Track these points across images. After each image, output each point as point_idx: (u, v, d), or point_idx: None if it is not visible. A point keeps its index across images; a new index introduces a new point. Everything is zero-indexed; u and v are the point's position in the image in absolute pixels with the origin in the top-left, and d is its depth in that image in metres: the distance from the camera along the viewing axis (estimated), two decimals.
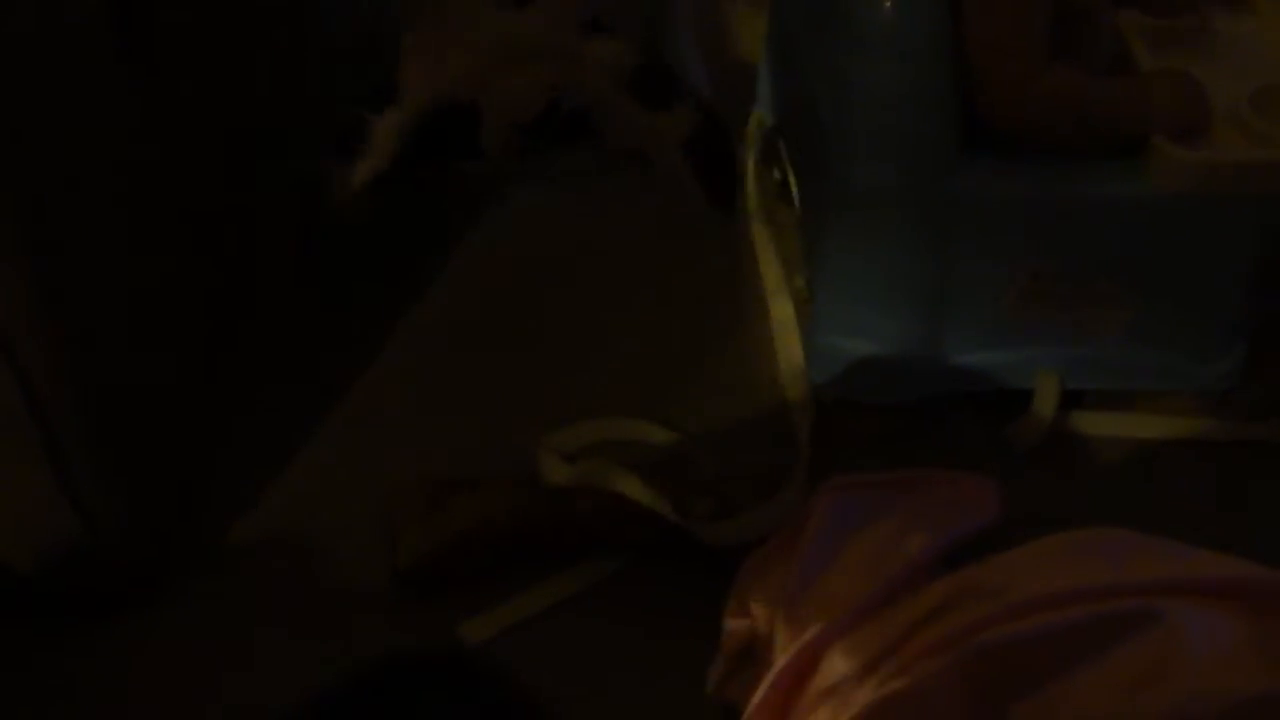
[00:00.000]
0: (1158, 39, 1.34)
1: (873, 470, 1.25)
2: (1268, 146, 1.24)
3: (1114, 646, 0.91)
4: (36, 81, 1.06)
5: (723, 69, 1.80)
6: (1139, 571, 0.99)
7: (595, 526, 1.26)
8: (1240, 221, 1.27)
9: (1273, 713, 0.86)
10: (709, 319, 1.52)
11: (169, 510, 1.29)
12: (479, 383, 1.46)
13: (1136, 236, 1.28)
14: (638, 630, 1.21)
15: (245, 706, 1.15)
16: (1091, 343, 1.34)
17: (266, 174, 1.50)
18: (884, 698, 0.94)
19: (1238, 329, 1.35)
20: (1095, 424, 1.38)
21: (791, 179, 1.50)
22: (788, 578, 1.10)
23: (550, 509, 1.27)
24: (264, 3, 1.49)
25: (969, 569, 1.04)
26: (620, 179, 1.67)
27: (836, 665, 1.01)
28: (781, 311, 1.50)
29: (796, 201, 1.48)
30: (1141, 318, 1.32)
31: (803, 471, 1.30)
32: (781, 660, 1.04)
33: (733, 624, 1.14)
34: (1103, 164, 1.27)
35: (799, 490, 1.27)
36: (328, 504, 1.33)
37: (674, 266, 1.59)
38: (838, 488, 1.18)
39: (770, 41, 1.61)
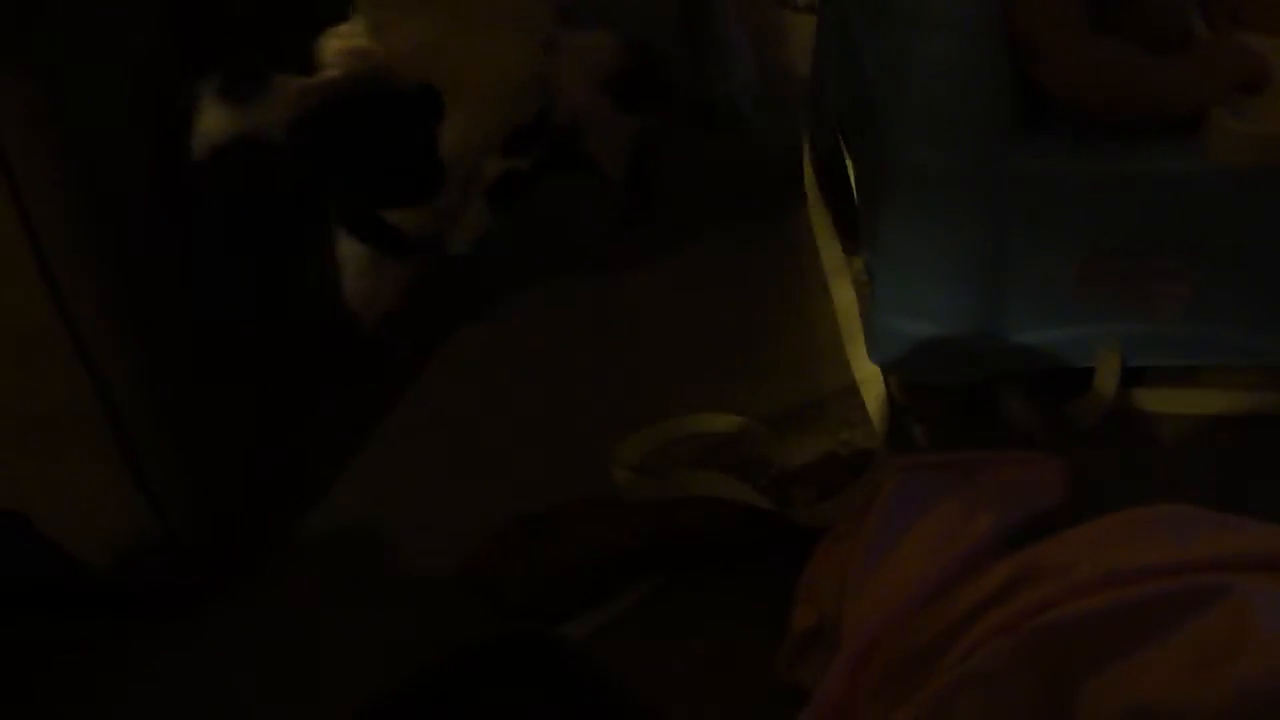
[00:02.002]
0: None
1: (936, 452, 1.26)
2: None
3: (1182, 623, 0.90)
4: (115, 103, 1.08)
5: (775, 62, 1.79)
6: (1205, 547, 0.98)
7: (699, 536, 1.25)
8: None
9: None
10: (769, 305, 1.52)
11: (241, 504, 1.30)
12: (540, 381, 1.46)
13: (1197, 211, 1.28)
14: (708, 617, 1.22)
15: (320, 698, 1.16)
16: (1152, 319, 1.34)
17: None
18: (952, 679, 0.95)
19: None
20: (1157, 400, 1.38)
21: (849, 163, 1.50)
22: (854, 560, 1.11)
23: (650, 528, 1.26)
24: None
25: (1034, 548, 1.04)
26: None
27: (904, 646, 1.02)
28: (843, 295, 1.50)
29: (854, 185, 1.48)
30: (1203, 293, 1.32)
31: (884, 451, 1.30)
32: (849, 642, 1.04)
33: (802, 606, 1.15)
34: (1161, 139, 1.26)
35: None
36: (398, 496, 1.34)
37: (731, 254, 1.59)
38: (903, 469, 1.19)
39: (823, 32, 1.61)
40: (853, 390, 1.41)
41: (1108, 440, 1.34)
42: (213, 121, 1.15)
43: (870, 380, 1.40)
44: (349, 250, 1.30)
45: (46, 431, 1.11)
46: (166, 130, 1.15)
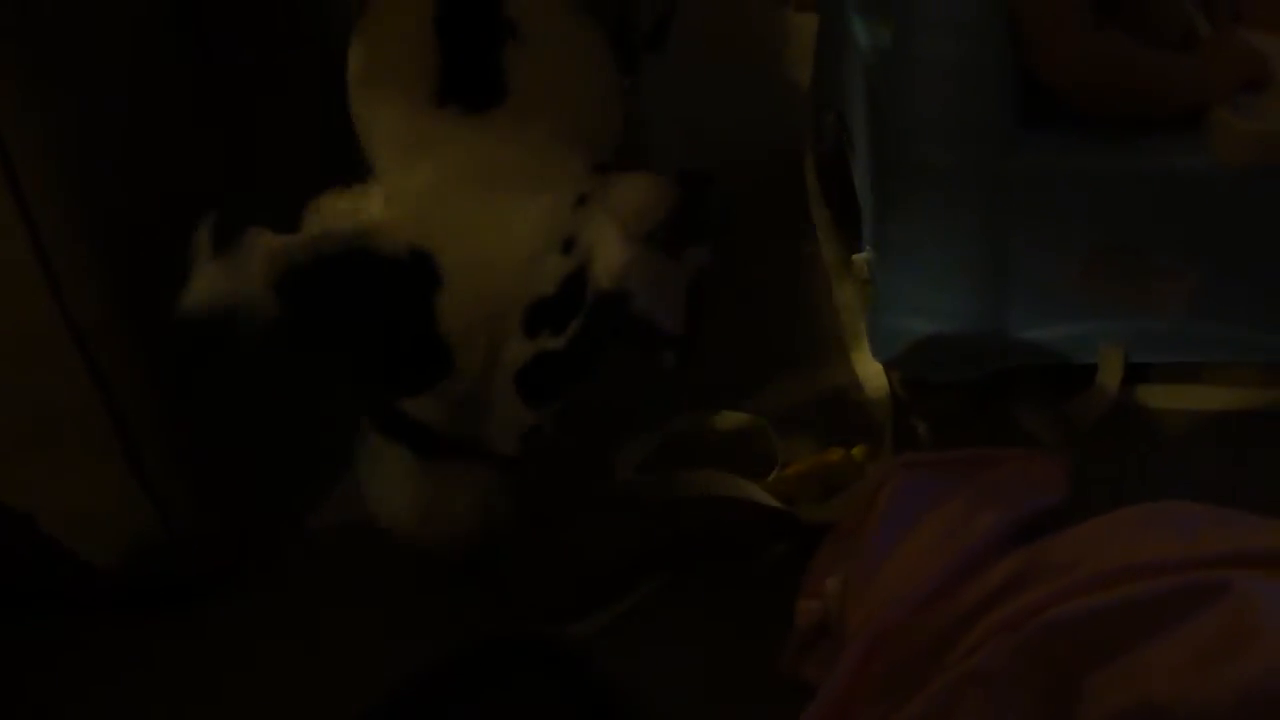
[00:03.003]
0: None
1: (939, 449, 1.26)
2: None
3: (1186, 619, 0.90)
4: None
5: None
6: (1209, 544, 0.98)
7: (704, 535, 1.26)
8: None
9: None
10: (771, 303, 1.52)
11: (244, 502, 1.30)
12: None
13: (1199, 208, 1.28)
14: (712, 614, 1.22)
15: (323, 696, 1.16)
16: (1155, 316, 1.34)
17: None
18: (954, 676, 0.95)
19: None
20: (1160, 397, 1.38)
21: (851, 162, 1.50)
22: (859, 556, 1.11)
23: (655, 527, 1.26)
24: None
25: (1037, 545, 1.04)
26: None
27: (908, 643, 1.02)
28: (845, 293, 1.50)
29: (856, 183, 1.48)
30: (1205, 290, 1.32)
31: (887, 448, 1.30)
32: (854, 639, 1.04)
33: (806, 603, 1.15)
34: (1163, 137, 1.26)
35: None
36: None
37: (733, 252, 1.59)
38: (906, 467, 1.19)
39: (825, 30, 1.61)
40: (856, 388, 1.41)
41: (1110, 437, 1.34)
42: (201, 280, 1.03)
43: (873, 378, 1.41)
44: (388, 451, 1.15)
45: (49, 431, 1.12)
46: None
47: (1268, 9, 1.36)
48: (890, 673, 1.01)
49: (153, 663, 1.21)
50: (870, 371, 1.41)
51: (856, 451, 1.30)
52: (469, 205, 1.06)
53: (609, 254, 1.04)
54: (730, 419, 1.38)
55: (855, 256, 1.45)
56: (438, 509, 1.14)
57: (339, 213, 1.07)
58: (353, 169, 1.12)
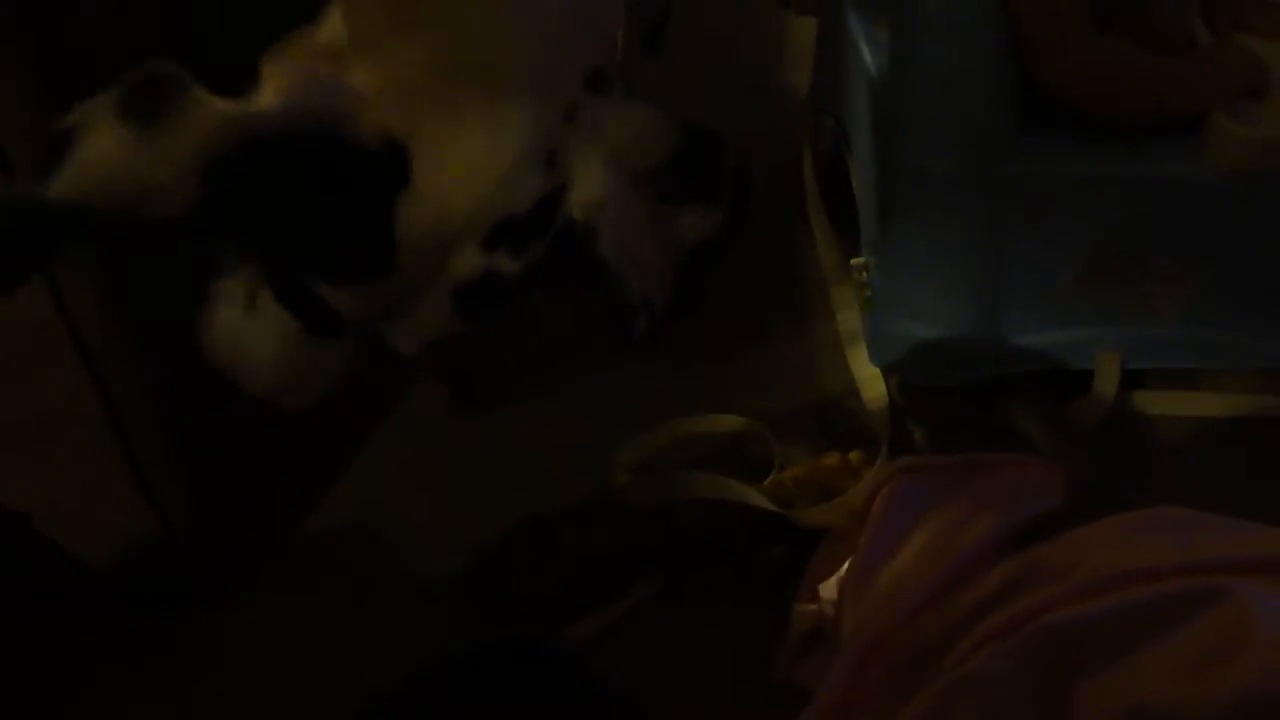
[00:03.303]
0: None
1: (936, 454, 1.26)
2: None
3: (1181, 626, 0.90)
4: None
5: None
6: (1205, 550, 0.98)
7: (704, 541, 1.25)
8: None
9: None
10: (769, 307, 1.52)
11: (241, 504, 1.30)
12: (542, 383, 1.46)
13: (1197, 214, 1.28)
14: (707, 618, 1.22)
15: (321, 698, 1.16)
16: (1153, 322, 1.34)
17: None
18: (950, 681, 0.95)
19: None
20: (1157, 403, 1.38)
21: (850, 166, 1.50)
22: (855, 561, 1.11)
23: (657, 534, 1.25)
24: None
25: (1033, 550, 1.04)
26: None
27: (904, 648, 1.02)
28: (843, 297, 1.50)
29: (855, 187, 1.48)
30: (1203, 296, 1.32)
31: (884, 452, 1.30)
32: (849, 644, 1.05)
33: (801, 607, 1.15)
34: (1162, 142, 1.26)
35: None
36: (398, 497, 1.34)
37: (731, 256, 1.58)
38: (903, 471, 1.19)
39: (824, 34, 1.61)
40: (853, 392, 1.41)
41: (1108, 443, 1.34)
42: (101, 144, 0.85)
43: (871, 382, 1.41)
44: (273, 316, 1.02)
45: (47, 431, 1.12)
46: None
47: (1267, 16, 1.36)
48: (886, 677, 1.01)
49: (148, 664, 1.21)
50: (868, 376, 1.41)
51: (853, 456, 1.30)
52: (459, 99, 0.92)
53: (588, 182, 0.97)
54: (727, 422, 1.38)
55: (853, 260, 1.45)
56: (303, 378, 1.05)
57: (311, 82, 0.90)
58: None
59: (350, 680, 1.15)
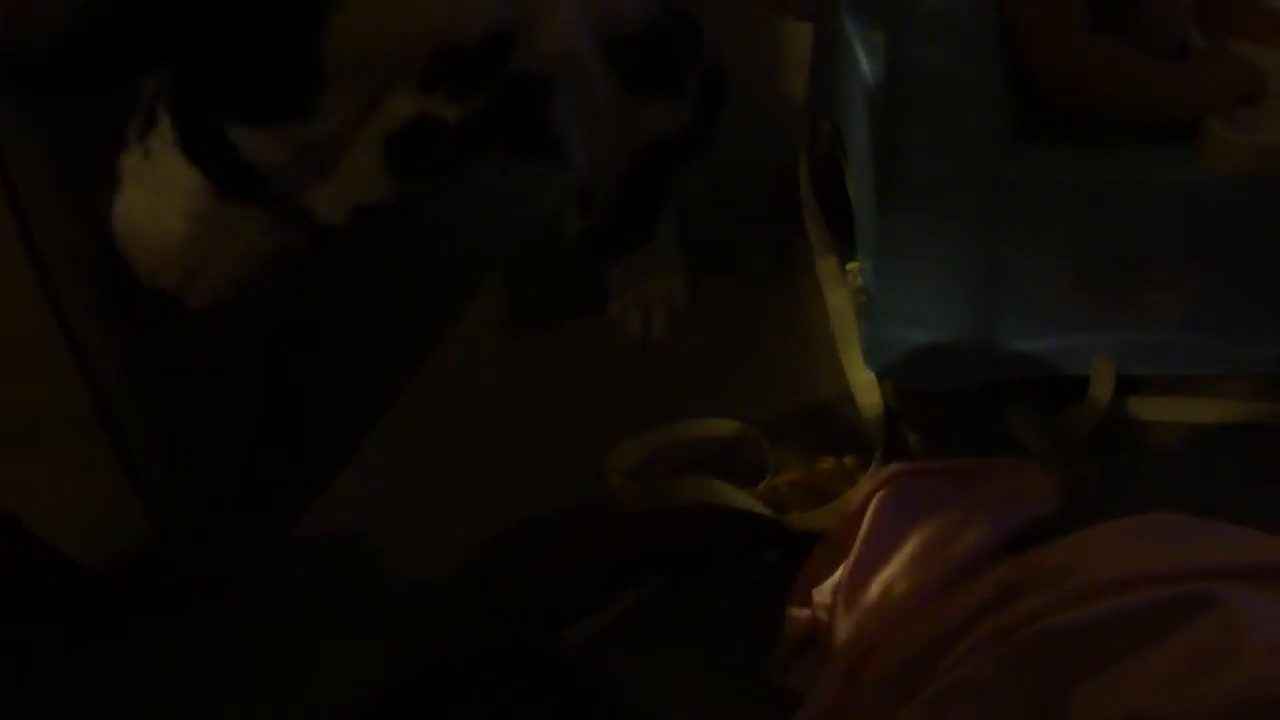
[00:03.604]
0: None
1: (931, 459, 1.26)
2: None
3: (1174, 632, 0.91)
4: None
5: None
6: (1198, 556, 0.98)
7: (698, 545, 1.25)
8: None
9: None
10: (765, 311, 1.52)
11: (237, 506, 1.30)
12: (536, 386, 1.46)
13: (1191, 220, 1.28)
14: (701, 622, 1.22)
15: (315, 699, 1.16)
16: (1148, 328, 1.34)
17: None
18: (944, 687, 0.95)
19: None
20: (1152, 409, 1.38)
21: (846, 171, 1.50)
22: (849, 566, 1.11)
23: (651, 538, 1.25)
24: None
25: (1027, 556, 1.05)
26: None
27: (897, 652, 1.02)
28: (838, 302, 1.50)
29: (850, 192, 1.48)
30: (1198, 302, 1.32)
31: (879, 457, 1.30)
32: (842, 648, 1.05)
33: (795, 612, 1.15)
34: (1156, 148, 1.26)
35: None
36: (393, 500, 1.34)
37: (726, 260, 1.59)
38: (897, 476, 1.19)
39: (820, 39, 1.61)
40: (848, 397, 1.41)
41: (1102, 449, 1.35)
42: None
43: (865, 387, 1.41)
44: (177, 180, 0.92)
45: (40, 432, 1.11)
46: None
47: (1262, 22, 1.37)
48: (879, 683, 1.01)
49: (142, 667, 1.21)
50: (862, 380, 1.41)
51: (848, 460, 1.30)
52: None
53: (552, 28, 0.85)
54: (722, 426, 1.38)
55: (849, 265, 1.45)
56: (213, 257, 0.94)
57: None
58: None
59: (344, 682, 1.15)
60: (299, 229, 0.93)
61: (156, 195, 0.92)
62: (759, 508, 1.24)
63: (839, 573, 1.12)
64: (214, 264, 0.94)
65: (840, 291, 1.51)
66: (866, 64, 1.37)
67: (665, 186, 0.99)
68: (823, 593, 1.13)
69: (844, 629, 1.08)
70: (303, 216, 0.92)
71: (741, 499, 1.24)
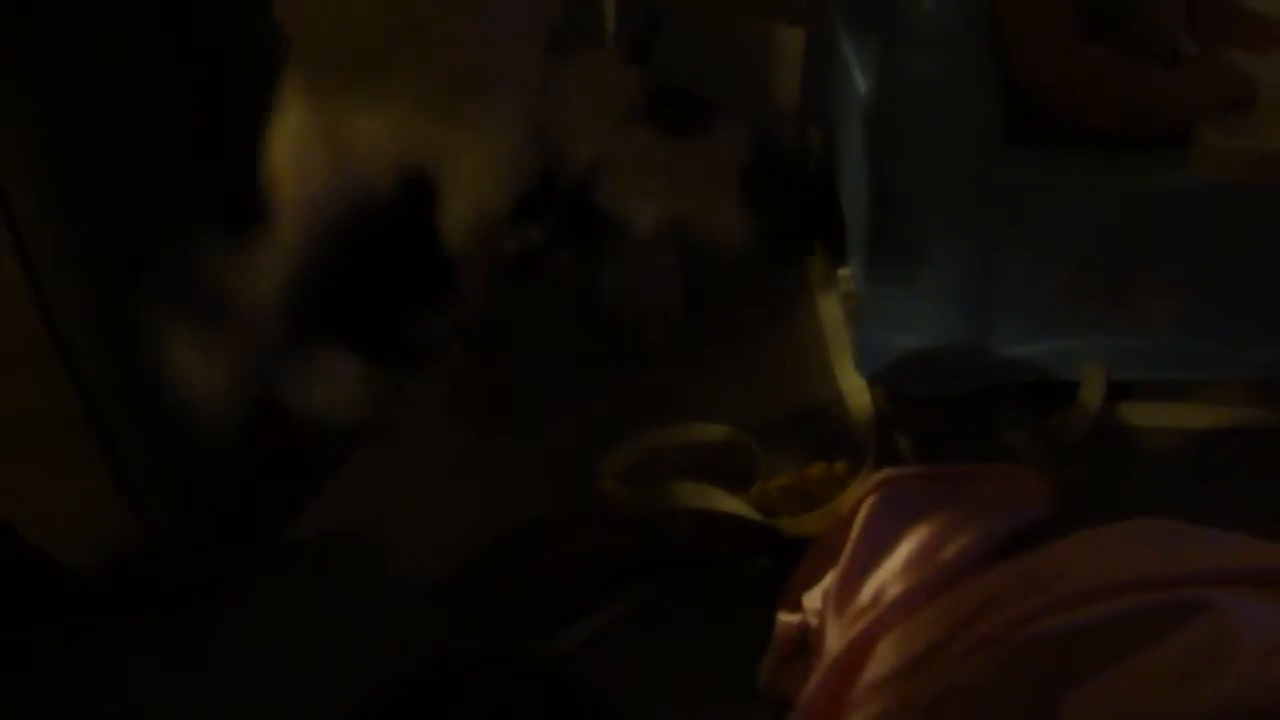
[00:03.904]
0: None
1: (922, 464, 1.26)
2: None
3: (1165, 637, 0.90)
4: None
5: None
6: (1189, 561, 0.98)
7: (690, 550, 1.25)
8: None
9: None
10: (757, 316, 1.52)
11: (227, 508, 1.30)
12: (529, 391, 1.46)
13: (1183, 226, 1.28)
14: (692, 627, 1.22)
15: (304, 704, 1.16)
16: (1139, 333, 1.34)
17: None
18: (935, 692, 0.95)
19: None
20: (1143, 414, 1.38)
21: (837, 177, 1.50)
22: (840, 571, 1.11)
23: (642, 543, 1.25)
24: None
25: (1017, 561, 1.04)
26: None
27: (888, 658, 1.02)
28: (830, 307, 1.50)
29: (842, 198, 1.48)
30: (1189, 307, 1.32)
31: (870, 463, 1.30)
32: (833, 653, 1.04)
33: (786, 617, 1.15)
34: (1148, 155, 1.27)
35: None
36: (385, 504, 1.34)
37: (718, 266, 1.58)
38: (888, 482, 1.19)
39: (812, 46, 1.61)
40: (839, 402, 1.41)
41: (1093, 454, 1.35)
42: None
43: (857, 392, 1.41)
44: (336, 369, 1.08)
45: (29, 435, 1.11)
46: None
47: (1254, 29, 1.37)
48: (869, 687, 1.01)
49: (140, 668, 1.21)
50: (854, 386, 1.41)
51: (839, 465, 1.30)
52: (449, 115, 0.97)
53: (575, 139, 1.01)
54: (713, 432, 1.38)
55: (840, 271, 1.45)
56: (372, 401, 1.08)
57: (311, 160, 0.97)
58: None
59: (336, 684, 1.15)
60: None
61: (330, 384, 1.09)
62: (750, 513, 1.23)
63: (830, 578, 1.12)
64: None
65: (831, 297, 1.51)
66: (859, 71, 1.37)
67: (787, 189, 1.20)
68: (813, 598, 1.12)
69: (835, 634, 1.07)
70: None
71: (732, 504, 1.24)
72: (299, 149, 0.98)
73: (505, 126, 0.99)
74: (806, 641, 1.12)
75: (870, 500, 1.17)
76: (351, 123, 0.97)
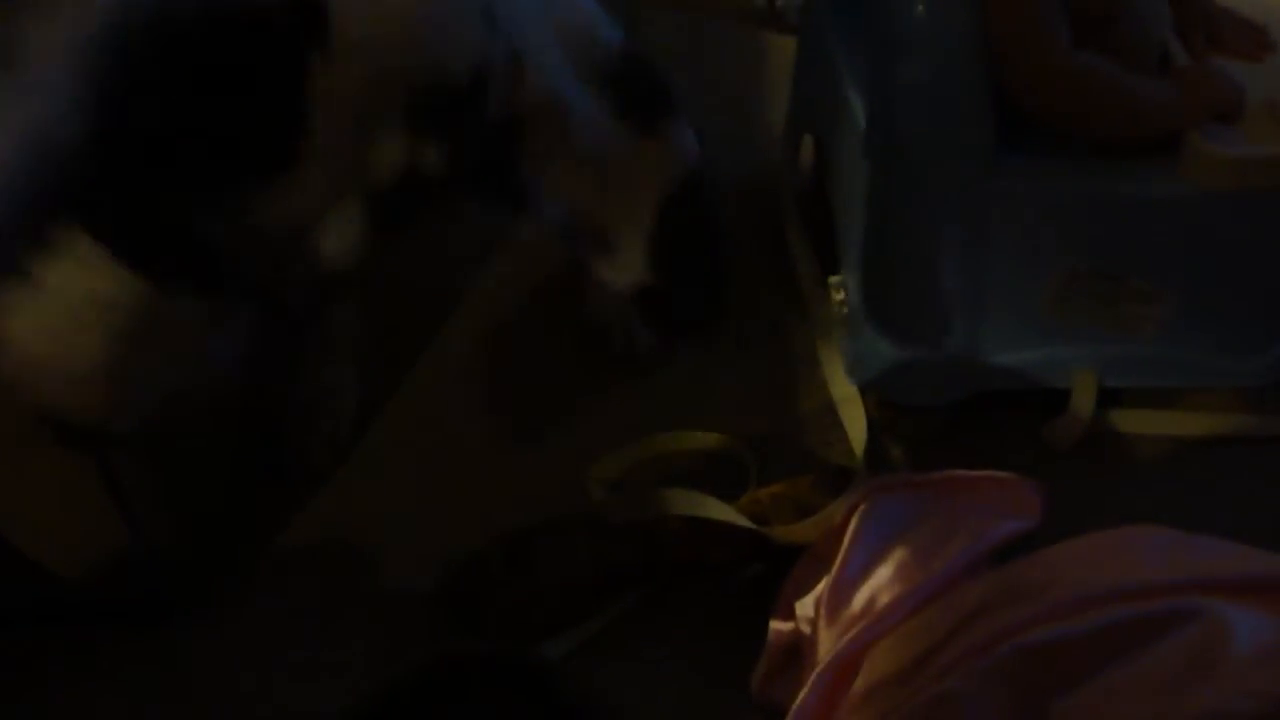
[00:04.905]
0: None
1: (914, 471, 1.26)
2: None
3: (1155, 644, 0.91)
4: None
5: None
6: (1180, 569, 0.99)
7: (682, 557, 1.25)
8: (1277, 217, 1.27)
9: None
10: (747, 324, 1.52)
11: (219, 519, 1.30)
12: (520, 399, 1.46)
13: (1173, 234, 1.29)
14: (684, 634, 1.22)
15: (296, 712, 1.16)
16: (1130, 340, 1.34)
17: None
18: (926, 699, 0.95)
19: (1277, 324, 1.35)
20: (1133, 422, 1.38)
21: (829, 185, 1.50)
22: (832, 578, 1.11)
23: (634, 551, 1.25)
24: None
25: (1009, 568, 1.05)
26: None
27: (879, 666, 1.02)
28: (821, 315, 1.50)
29: (834, 206, 1.48)
30: (1180, 315, 1.32)
31: (862, 470, 1.30)
32: (825, 661, 1.04)
33: (778, 625, 1.15)
34: (1137, 162, 1.27)
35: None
36: (376, 512, 1.34)
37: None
38: (880, 489, 1.19)
39: (804, 53, 1.61)
40: (831, 410, 1.41)
41: (1084, 461, 1.35)
42: None
43: (849, 400, 1.41)
44: (92, 286, 0.82)
45: (18, 445, 1.11)
46: None
47: (1243, 37, 1.37)
48: (862, 695, 1.01)
49: (137, 673, 1.21)
50: (845, 394, 1.41)
51: (831, 474, 1.30)
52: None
53: (536, 69, 0.79)
54: (705, 439, 1.38)
55: (832, 279, 1.45)
56: (138, 372, 0.85)
57: None
58: None
59: (327, 693, 1.15)
60: (257, 309, 0.87)
61: (61, 319, 0.83)
62: (741, 521, 1.23)
63: (822, 586, 1.12)
64: (146, 380, 0.87)
65: (823, 305, 1.51)
66: (850, 78, 1.37)
67: (707, 240, 0.95)
68: (806, 606, 1.12)
69: (826, 642, 1.07)
70: (265, 297, 0.86)
71: (724, 512, 1.24)
72: None
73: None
74: (799, 649, 1.13)
75: (862, 508, 1.17)
76: None
